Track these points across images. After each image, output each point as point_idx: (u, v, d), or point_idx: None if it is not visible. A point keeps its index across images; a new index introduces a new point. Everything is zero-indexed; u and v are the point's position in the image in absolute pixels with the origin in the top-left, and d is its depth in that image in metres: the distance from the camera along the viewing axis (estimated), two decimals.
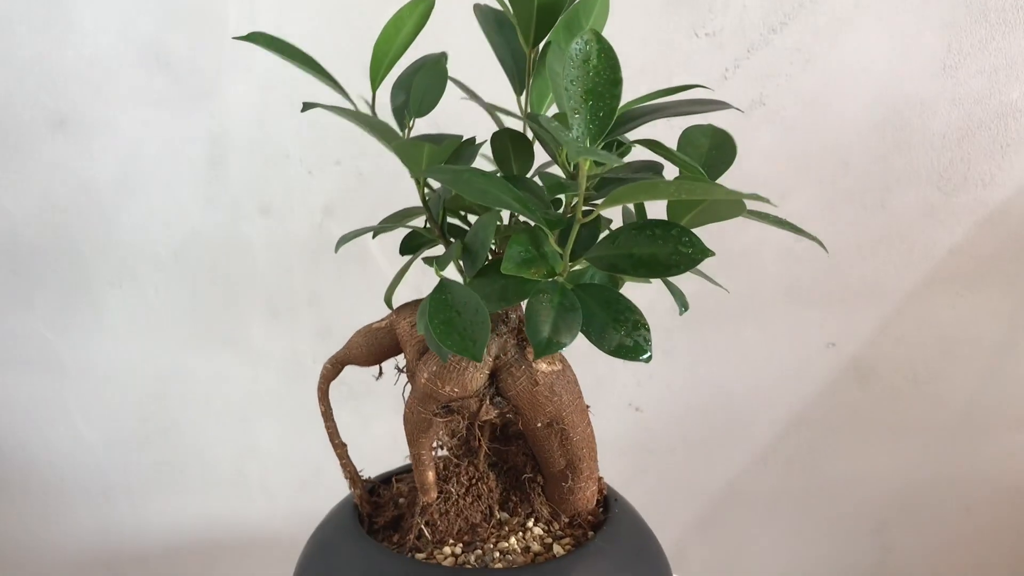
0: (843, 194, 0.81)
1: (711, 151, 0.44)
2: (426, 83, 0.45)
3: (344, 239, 0.48)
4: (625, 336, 0.37)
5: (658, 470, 0.88)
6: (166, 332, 0.82)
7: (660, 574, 0.47)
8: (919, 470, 0.88)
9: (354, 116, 0.47)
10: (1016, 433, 0.88)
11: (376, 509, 0.52)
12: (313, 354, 0.83)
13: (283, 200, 0.79)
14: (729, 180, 0.77)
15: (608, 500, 0.49)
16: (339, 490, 0.86)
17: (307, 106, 0.48)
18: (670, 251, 0.37)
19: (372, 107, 0.45)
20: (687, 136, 0.44)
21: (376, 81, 0.46)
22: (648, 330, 0.37)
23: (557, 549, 0.45)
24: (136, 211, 0.79)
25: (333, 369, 0.53)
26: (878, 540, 0.90)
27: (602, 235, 0.41)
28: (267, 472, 0.86)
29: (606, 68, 0.36)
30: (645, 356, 0.36)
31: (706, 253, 0.36)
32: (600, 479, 0.49)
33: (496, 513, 0.48)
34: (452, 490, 0.48)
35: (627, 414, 0.86)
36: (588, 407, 0.46)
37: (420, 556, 0.47)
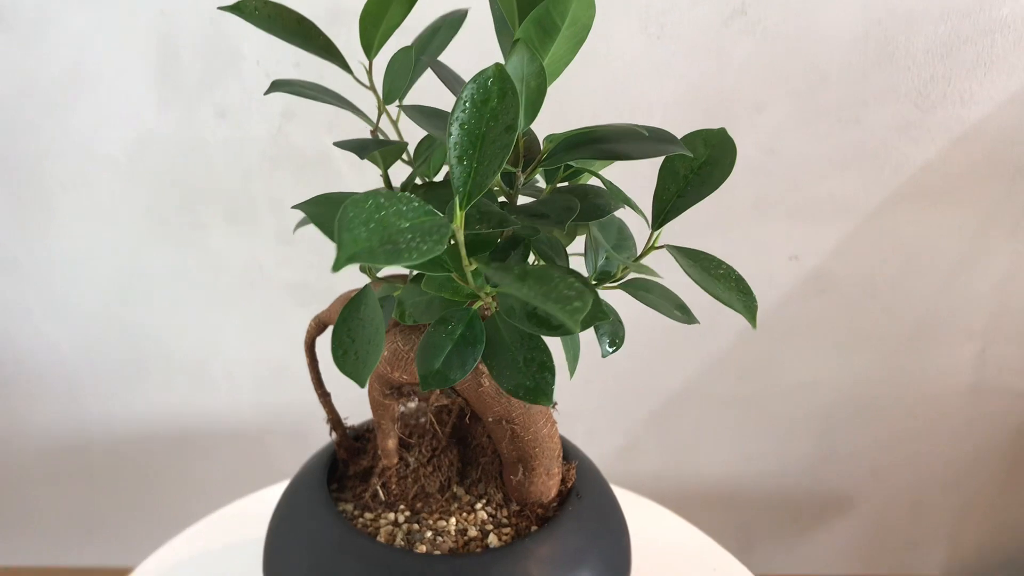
0: (819, 108, 0.79)
1: (705, 165, 0.41)
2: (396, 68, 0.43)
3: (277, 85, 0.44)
4: (527, 378, 0.36)
5: (615, 373, 0.89)
6: (123, 235, 0.80)
7: None
8: (869, 377, 0.91)
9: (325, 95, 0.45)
10: (964, 344, 0.90)
11: (355, 456, 0.53)
12: (274, 259, 0.82)
13: (240, 103, 0.76)
14: (703, 89, 0.74)
15: (571, 494, 0.48)
16: (302, 386, 0.88)
17: (276, 86, 0.45)
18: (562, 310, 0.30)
19: (370, 75, 0.43)
20: (673, 159, 0.41)
21: (372, 50, 0.43)
22: (553, 375, 0.36)
23: (492, 539, 0.46)
24: (85, 113, 0.75)
25: (317, 328, 0.53)
26: (824, 438, 0.94)
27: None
28: (230, 368, 0.87)
29: (504, 111, 0.33)
30: (545, 401, 0.35)
31: (592, 320, 0.34)
32: (570, 469, 0.49)
33: (453, 487, 0.49)
34: (411, 459, 0.49)
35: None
36: (555, 404, 0.45)
37: (369, 516, 0.48)
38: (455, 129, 0.33)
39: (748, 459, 0.95)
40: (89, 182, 0.78)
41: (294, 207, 0.37)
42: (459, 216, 0.33)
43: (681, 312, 0.42)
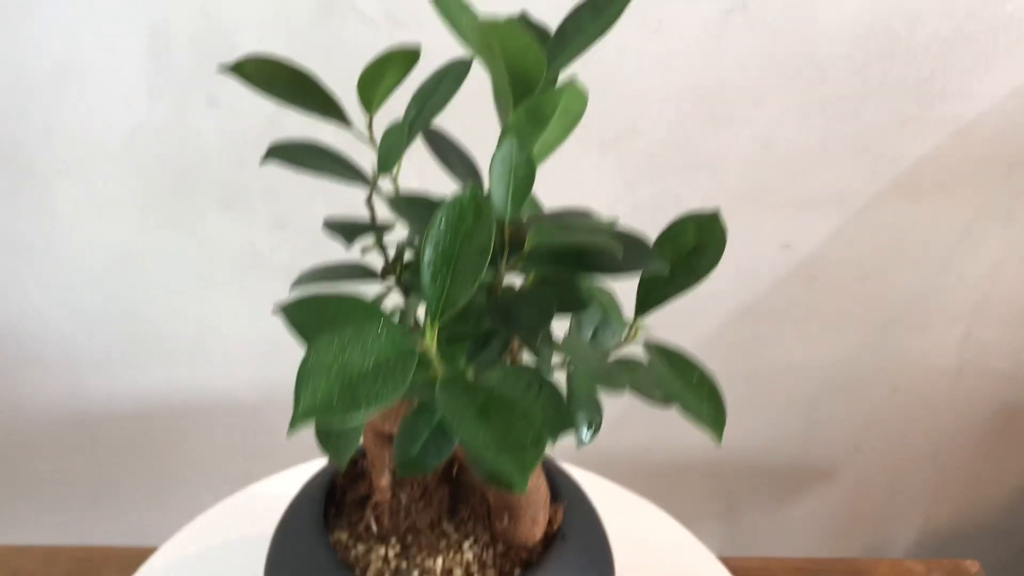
0: (817, 102, 0.78)
1: (693, 253, 0.40)
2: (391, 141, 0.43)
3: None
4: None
5: None
6: (119, 219, 0.81)
7: None
8: (855, 357, 0.93)
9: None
10: (951, 326, 0.92)
11: (353, 481, 0.55)
12: (269, 244, 0.82)
13: (233, 93, 0.75)
14: (701, 84, 0.73)
15: (556, 537, 0.49)
16: (295, 369, 0.89)
17: (272, 154, 0.46)
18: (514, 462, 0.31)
19: (370, 131, 0.43)
20: (672, 233, 0.41)
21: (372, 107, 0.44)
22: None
23: None
24: (76, 102, 0.75)
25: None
26: (809, 415, 0.97)
27: None
28: (228, 348, 0.89)
29: (478, 233, 0.33)
30: (518, 490, 0.35)
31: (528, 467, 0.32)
32: (557, 511, 0.51)
33: (443, 523, 0.51)
34: (403, 496, 0.51)
35: None
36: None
37: (362, 547, 0.50)
38: (429, 249, 0.33)
39: (735, 433, 0.98)
40: (84, 169, 0.78)
41: (275, 309, 0.37)
42: (430, 335, 0.34)
43: (662, 395, 0.43)
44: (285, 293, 0.84)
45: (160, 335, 0.87)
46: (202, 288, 0.85)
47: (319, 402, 0.30)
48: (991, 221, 0.85)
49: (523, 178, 0.39)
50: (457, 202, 0.34)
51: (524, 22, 0.44)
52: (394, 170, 0.45)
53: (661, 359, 0.40)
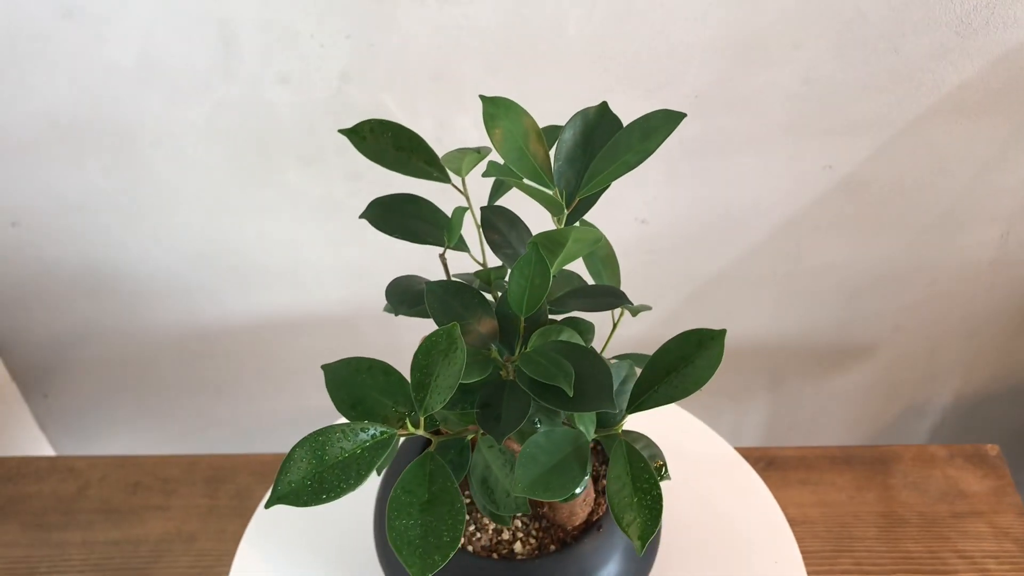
0: (857, 41, 0.80)
1: (691, 365, 0.46)
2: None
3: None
4: (495, 507, 0.49)
5: (659, 264, 0.99)
6: (210, 177, 0.90)
7: None
8: (894, 256, 0.99)
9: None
10: (988, 227, 0.96)
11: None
12: (345, 191, 0.91)
13: (300, 71, 0.81)
14: (740, 32, 0.76)
15: (593, 526, 0.59)
16: (382, 285, 1.01)
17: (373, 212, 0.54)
18: None
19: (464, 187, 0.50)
20: (676, 342, 0.47)
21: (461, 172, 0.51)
22: (522, 508, 0.48)
23: (517, 546, 0.59)
24: (161, 87, 0.82)
25: None
26: (848, 306, 1.04)
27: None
28: (319, 275, 0.99)
29: (454, 361, 0.42)
30: (503, 524, 0.45)
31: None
32: (600, 504, 0.61)
33: None
34: None
35: (634, 226, 0.95)
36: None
37: None
38: (416, 369, 0.43)
39: (778, 323, 1.06)
40: (175, 142, 0.86)
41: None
42: (409, 428, 0.44)
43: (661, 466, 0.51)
44: (361, 231, 0.94)
45: (258, 266, 0.99)
46: (290, 228, 0.95)
47: (288, 491, 0.40)
48: None
49: (538, 286, 0.46)
50: (440, 332, 0.43)
51: (605, 111, 0.50)
52: (454, 240, 0.52)
53: (622, 462, 0.45)
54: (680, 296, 1.03)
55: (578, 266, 0.57)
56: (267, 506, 0.41)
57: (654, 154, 0.45)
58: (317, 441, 0.42)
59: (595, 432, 0.49)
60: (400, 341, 1.05)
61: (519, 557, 0.59)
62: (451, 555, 0.40)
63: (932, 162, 0.90)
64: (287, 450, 0.42)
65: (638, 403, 0.47)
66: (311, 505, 0.40)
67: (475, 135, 0.86)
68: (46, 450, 1.20)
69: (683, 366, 0.47)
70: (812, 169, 0.90)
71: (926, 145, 0.88)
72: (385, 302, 0.54)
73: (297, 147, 0.87)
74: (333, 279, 1.00)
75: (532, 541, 0.60)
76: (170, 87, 0.82)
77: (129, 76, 0.81)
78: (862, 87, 0.83)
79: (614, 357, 0.55)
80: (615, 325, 0.56)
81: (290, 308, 1.03)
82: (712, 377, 0.46)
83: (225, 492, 0.92)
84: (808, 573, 0.73)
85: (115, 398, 1.15)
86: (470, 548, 0.60)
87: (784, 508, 0.88)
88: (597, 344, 0.52)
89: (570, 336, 0.48)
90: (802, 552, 0.76)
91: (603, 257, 0.55)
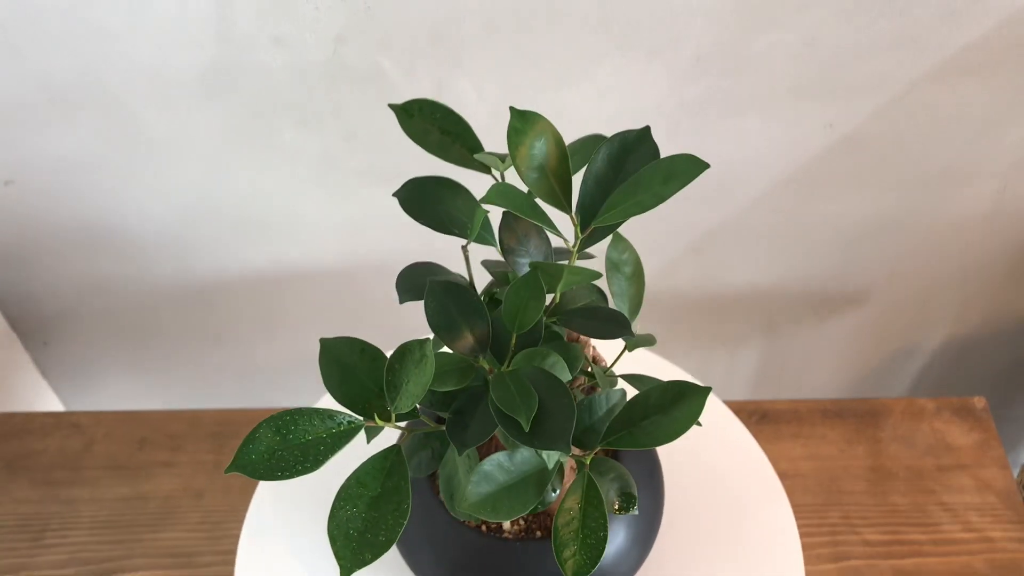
0: (863, 2, 0.79)
1: (665, 415, 0.46)
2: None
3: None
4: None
5: (656, 215, 0.99)
6: (205, 138, 0.89)
7: None
8: (892, 209, 0.99)
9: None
10: (986, 181, 0.96)
11: None
12: (342, 151, 0.90)
13: (295, 33, 0.79)
14: None
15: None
16: (379, 239, 1.01)
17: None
18: None
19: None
20: (649, 396, 0.47)
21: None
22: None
23: (507, 524, 0.60)
24: (152, 47, 0.80)
25: None
26: (843, 255, 1.05)
27: None
28: (317, 231, 0.99)
29: (424, 368, 0.44)
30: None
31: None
32: None
33: None
34: None
35: None
36: None
37: None
38: (390, 371, 0.45)
39: (776, 270, 1.07)
40: (167, 101, 0.85)
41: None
42: (378, 422, 0.45)
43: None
44: (360, 189, 0.94)
45: (255, 222, 0.98)
46: (287, 186, 0.94)
47: (247, 462, 0.43)
48: None
49: (533, 308, 0.47)
50: (414, 344, 0.44)
51: (646, 136, 0.49)
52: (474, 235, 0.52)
53: (578, 496, 0.46)
54: (678, 247, 1.04)
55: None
56: (226, 471, 0.43)
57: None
58: (284, 421, 0.44)
59: (569, 454, 0.48)
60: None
61: (506, 535, 0.60)
62: (382, 555, 0.42)
63: (933, 121, 0.89)
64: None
65: (607, 441, 0.47)
66: (267, 480, 0.43)
67: (473, 98, 0.85)
68: (48, 396, 1.21)
69: (659, 415, 0.47)
70: (813, 127, 0.90)
71: (928, 105, 0.87)
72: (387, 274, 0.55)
73: (292, 108, 0.86)
74: (331, 234, 1.00)
75: (521, 522, 0.61)
76: (161, 46, 0.80)
77: (120, 37, 0.79)
78: (866, 49, 0.82)
79: (621, 375, 0.56)
80: (625, 347, 0.56)
81: (288, 262, 1.03)
82: (684, 433, 0.45)
83: (230, 448, 0.94)
84: (798, 527, 0.76)
85: (116, 346, 1.16)
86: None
87: (776, 462, 0.91)
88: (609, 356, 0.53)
89: (554, 363, 0.48)
90: (792, 506, 0.78)
91: (630, 275, 0.55)
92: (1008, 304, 1.14)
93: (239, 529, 0.76)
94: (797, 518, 0.79)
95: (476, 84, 0.84)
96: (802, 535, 0.84)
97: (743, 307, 1.12)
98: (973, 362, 1.22)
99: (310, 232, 1.00)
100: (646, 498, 0.64)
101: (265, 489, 0.78)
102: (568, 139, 0.52)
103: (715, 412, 0.84)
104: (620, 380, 0.56)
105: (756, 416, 0.95)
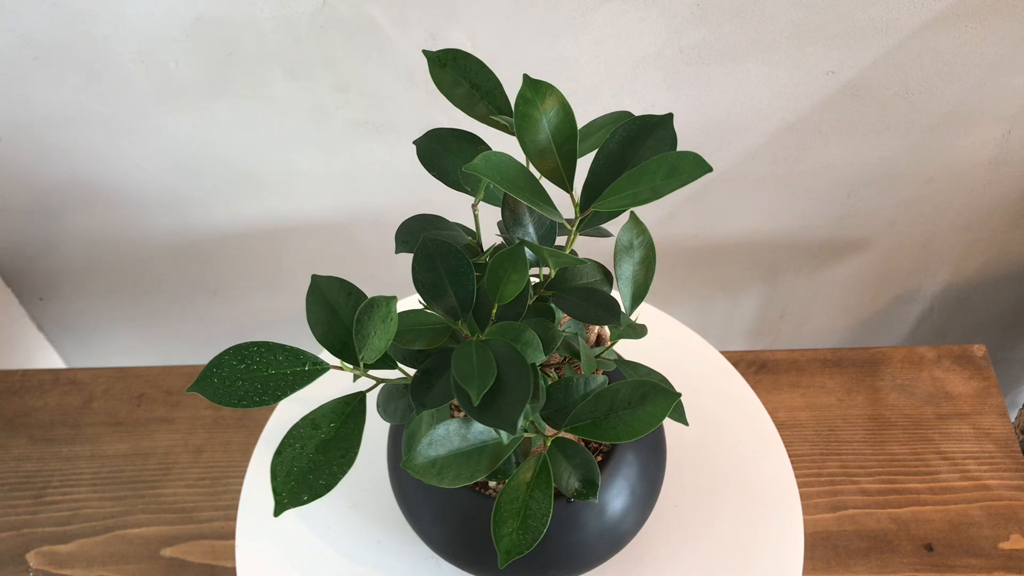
0: None
1: (632, 414, 0.46)
2: None
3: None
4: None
5: None
6: (195, 91, 0.87)
7: None
8: (894, 154, 0.97)
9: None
10: (990, 127, 0.95)
11: None
12: (334, 103, 0.88)
13: None
14: None
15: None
16: (375, 192, 1.00)
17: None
18: None
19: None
20: (619, 390, 0.47)
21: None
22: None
23: (492, 483, 0.60)
24: (138, 4, 0.78)
25: None
26: (846, 202, 1.04)
27: None
28: (311, 184, 0.98)
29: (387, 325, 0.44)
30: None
31: None
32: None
33: None
34: None
35: None
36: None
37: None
38: (357, 322, 0.44)
39: (776, 219, 1.06)
40: (155, 56, 0.83)
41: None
42: (345, 367, 0.45)
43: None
44: (353, 142, 0.92)
45: (249, 176, 0.97)
46: (279, 140, 0.93)
47: (207, 386, 0.43)
48: None
49: (515, 282, 0.46)
50: (381, 300, 0.44)
51: (667, 122, 0.48)
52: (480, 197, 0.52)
53: (528, 475, 0.46)
54: (679, 195, 1.02)
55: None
56: (187, 391, 0.43)
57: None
58: (249, 351, 0.44)
59: (515, 435, 0.47)
60: (393, 246, 1.04)
61: (490, 493, 0.60)
62: (319, 498, 0.42)
63: (938, 66, 0.87)
64: None
65: (571, 428, 0.47)
66: (224, 405, 0.43)
67: (467, 48, 0.83)
68: (46, 350, 1.21)
69: (625, 411, 0.46)
70: (814, 74, 0.88)
71: (933, 50, 0.85)
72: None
73: (282, 61, 0.84)
74: (326, 188, 0.99)
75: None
76: (147, 2, 0.78)
77: None
78: None
79: (616, 360, 0.55)
80: (623, 328, 0.55)
81: (283, 215, 1.02)
82: (647, 433, 0.45)
83: None
84: (796, 476, 0.76)
85: (112, 301, 1.15)
86: None
87: (774, 412, 0.91)
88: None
89: (529, 340, 0.46)
90: (791, 456, 0.78)
91: (640, 260, 0.54)
92: (1010, 249, 1.13)
93: (239, 484, 0.77)
94: (795, 468, 0.79)
95: (471, 34, 0.82)
96: (800, 485, 0.84)
97: (743, 255, 1.11)
98: (974, 307, 1.21)
99: (305, 185, 0.98)
100: (647, 454, 0.64)
101: (265, 445, 0.78)
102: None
103: (713, 363, 0.83)
104: (615, 363, 0.55)
105: (755, 366, 0.95)
